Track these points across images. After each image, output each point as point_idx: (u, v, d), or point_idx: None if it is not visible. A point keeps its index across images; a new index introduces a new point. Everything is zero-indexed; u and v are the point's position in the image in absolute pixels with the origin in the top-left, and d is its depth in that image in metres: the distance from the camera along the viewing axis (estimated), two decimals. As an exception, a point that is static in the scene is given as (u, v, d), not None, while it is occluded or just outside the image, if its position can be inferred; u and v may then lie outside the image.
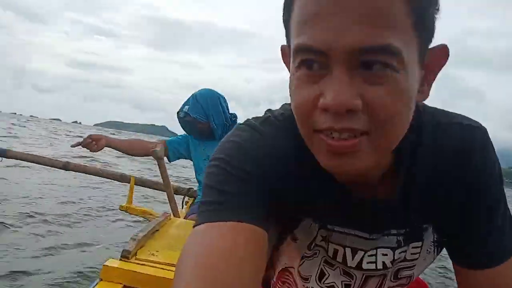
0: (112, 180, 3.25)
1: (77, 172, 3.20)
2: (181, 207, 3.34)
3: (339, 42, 0.43)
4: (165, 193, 2.61)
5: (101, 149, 2.40)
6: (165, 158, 2.58)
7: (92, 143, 2.35)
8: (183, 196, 3.45)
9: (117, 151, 2.57)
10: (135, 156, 2.59)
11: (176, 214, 2.35)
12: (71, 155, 8.12)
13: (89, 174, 3.24)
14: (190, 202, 3.36)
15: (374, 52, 0.44)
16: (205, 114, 2.44)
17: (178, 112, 2.53)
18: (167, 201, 2.57)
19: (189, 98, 2.49)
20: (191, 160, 2.71)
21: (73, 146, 2.44)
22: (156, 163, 2.42)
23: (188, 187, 3.47)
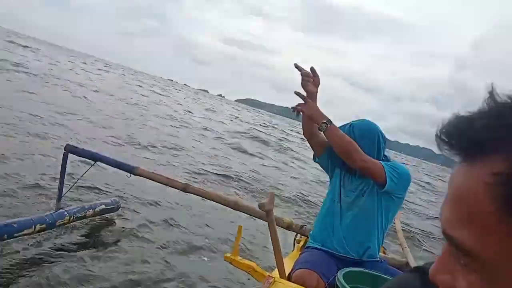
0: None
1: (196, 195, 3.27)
2: (292, 247, 3.15)
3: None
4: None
5: (312, 92, 2.19)
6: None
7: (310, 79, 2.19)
8: (295, 234, 3.25)
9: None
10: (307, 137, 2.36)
11: (282, 274, 2.12)
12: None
13: (208, 199, 3.25)
14: (302, 242, 3.14)
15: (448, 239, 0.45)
16: (358, 144, 2.15)
17: None
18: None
19: (345, 125, 2.25)
20: (329, 175, 2.46)
21: (296, 66, 2.23)
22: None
23: (301, 223, 3.25)
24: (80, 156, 3.33)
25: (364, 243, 2.24)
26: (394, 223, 3.96)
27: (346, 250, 2.23)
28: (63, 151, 3.27)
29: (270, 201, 2.05)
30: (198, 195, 3.26)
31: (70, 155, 3.29)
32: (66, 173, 3.35)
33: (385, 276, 1.70)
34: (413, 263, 2.91)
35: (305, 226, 3.14)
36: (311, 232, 2.53)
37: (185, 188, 3.21)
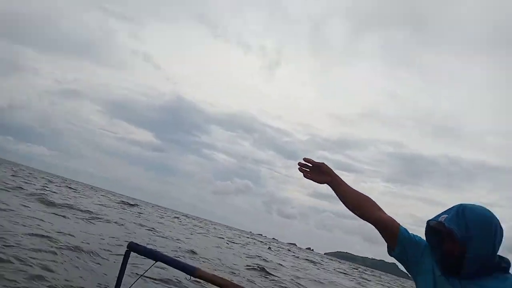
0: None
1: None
2: None
3: None
4: None
5: (317, 179, 2.02)
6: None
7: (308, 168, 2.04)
8: None
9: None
10: (353, 210, 1.93)
11: None
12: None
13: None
14: None
15: None
16: (466, 232, 1.61)
17: (429, 221, 1.77)
18: None
19: (452, 207, 1.72)
20: (411, 276, 1.84)
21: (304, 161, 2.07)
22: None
23: None
24: (141, 255, 3.11)
25: None
26: None
27: None
28: (126, 249, 3.10)
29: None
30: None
31: (132, 253, 3.10)
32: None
33: None
34: None
35: None
36: None
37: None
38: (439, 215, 1.73)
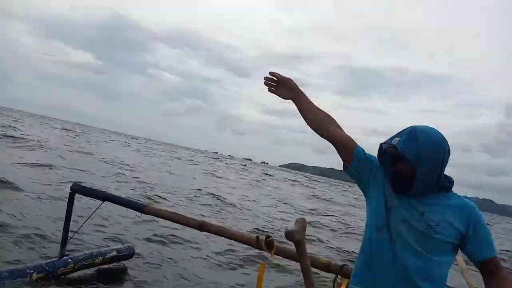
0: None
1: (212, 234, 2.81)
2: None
3: None
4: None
5: (281, 95, 1.96)
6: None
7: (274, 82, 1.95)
8: (334, 276, 2.66)
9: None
10: (312, 127, 1.94)
11: None
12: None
13: (228, 238, 2.79)
14: (343, 286, 2.54)
15: None
16: (417, 155, 1.65)
17: (381, 144, 1.78)
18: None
19: (403, 130, 1.76)
20: (364, 194, 1.93)
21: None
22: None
23: (341, 263, 2.66)
24: (87, 196, 3.01)
25: (424, 283, 1.67)
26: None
27: None
28: (69, 191, 2.98)
29: (301, 228, 1.50)
30: (216, 234, 2.79)
31: (77, 196, 2.99)
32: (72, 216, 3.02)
33: None
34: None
35: (346, 266, 2.56)
36: (352, 272, 1.96)
37: (201, 226, 2.77)
38: (391, 138, 1.75)
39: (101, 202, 2.96)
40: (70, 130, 36.21)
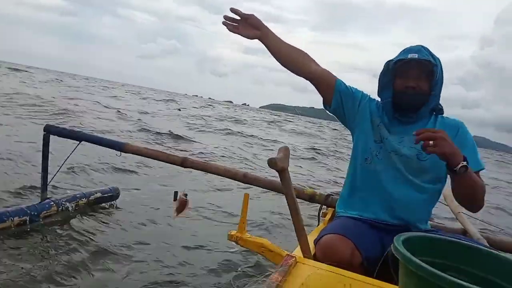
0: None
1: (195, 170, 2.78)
2: (318, 221, 2.61)
3: None
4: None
5: (246, 34, 1.78)
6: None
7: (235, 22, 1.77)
8: (319, 206, 2.69)
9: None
10: (287, 66, 1.83)
11: (306, 252, 1.54)
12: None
13: (210, 172, 2.77)
14: (329, 215, 2.58)
15: None
16: (437, 65, 1.65)
17: (388, 61, 1.72)
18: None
19: (415, 46, 1.70)
20: (348, 129, 1.89)
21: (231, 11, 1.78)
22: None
23: (326, 193, 2.68)
24: (62, 137, 2.89)
25: (412, 209, 1.70)
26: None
27: (387, 218, 1.70)
28: (43, 132, 2.85)
29: (284, 156, 1.42)
30: (198, 169, 2.75)
31: (52, 137, 2.86)
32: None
33: (464, 242, 1.08)
34: (474, 231, 2.29)
35: (331, 196, 2.58)
36: (338, 201, 1.96)
37: (183, 163, 2.71)
38: (403, 53, 1.69)
39: (78, 142, 2.86)
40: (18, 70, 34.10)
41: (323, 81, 1.79)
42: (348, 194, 1.85)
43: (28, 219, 2.69)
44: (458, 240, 1.07)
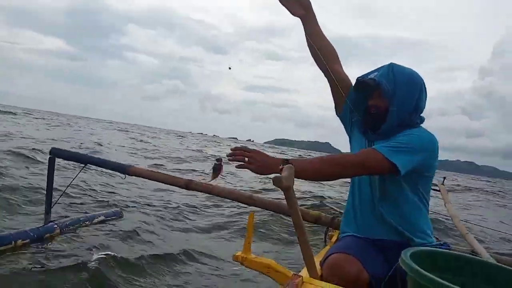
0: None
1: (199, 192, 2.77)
2: (324, 242, 2.58)
3: None
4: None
5: (292, 9, 1.83)
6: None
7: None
8: (326, 228, 2.66)
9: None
10: (316, 56, 1.86)
11: (312, 272, 1.50)
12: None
13: (214, 195, 2.77)
14: (335, 237, 2.54)
15: None
16: (393, 89, 1.65)
17: (358, 77, 1.75)
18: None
19: (383, 66, 1.74)
20: (349, 137, 1.93)
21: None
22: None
23: (332, 215, 2.65)
24: (68, 159, 2.91)
25: (405, 223, 1.67)
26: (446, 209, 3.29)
27: (384, 236, 1.68)
28: (49, 155, 2.87)
29: (289, 175, 1.35)
30: (202, 192, 2.74)
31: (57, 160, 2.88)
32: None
33: (471, 256, 1.06)
34: (482, 250, 2.24)
35: (337, 218, 2.55)
36: (341, 221, 1.94)
37: (187, 185, 2.72)
38: (369, 73, 1.74)
39: (83, 165, 2.88)
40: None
41: (342, 85, 1.82)
42: (348, 213, 1.84)
43: (30, 241, 2.67)
44: (465, 255, 1.05)
